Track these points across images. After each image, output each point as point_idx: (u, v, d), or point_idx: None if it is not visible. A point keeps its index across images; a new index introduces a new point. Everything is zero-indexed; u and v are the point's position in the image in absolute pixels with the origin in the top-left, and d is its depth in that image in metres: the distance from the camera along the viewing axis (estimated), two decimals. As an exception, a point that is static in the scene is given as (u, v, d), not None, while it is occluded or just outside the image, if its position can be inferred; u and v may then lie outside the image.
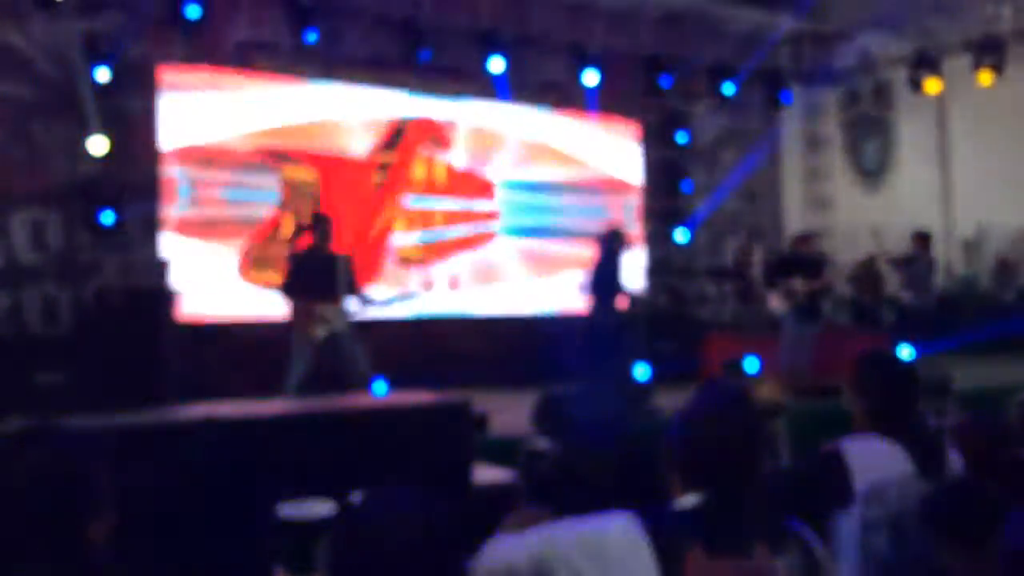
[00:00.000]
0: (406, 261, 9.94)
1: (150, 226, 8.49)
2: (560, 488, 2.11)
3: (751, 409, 1.95)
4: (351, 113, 9.65)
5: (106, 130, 8.06)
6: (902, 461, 2.60)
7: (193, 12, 8.24)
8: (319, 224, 7.20)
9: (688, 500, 1.86)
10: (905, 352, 8.27)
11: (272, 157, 9.14)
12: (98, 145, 7.99)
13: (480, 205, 10.46)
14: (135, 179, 8.37)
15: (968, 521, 2.29)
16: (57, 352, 7.34)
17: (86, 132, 8.06)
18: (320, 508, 2.39)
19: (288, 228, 9.15)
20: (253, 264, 8.98)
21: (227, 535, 3.04)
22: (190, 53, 8.66)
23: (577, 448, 2.10)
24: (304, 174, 9.34)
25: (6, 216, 7.95)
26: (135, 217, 8.41)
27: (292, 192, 9.23)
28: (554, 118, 10.98)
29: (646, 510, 1.81)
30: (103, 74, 8.02)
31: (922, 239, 9.79)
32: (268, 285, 8.53)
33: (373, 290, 7.59)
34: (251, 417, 4.11)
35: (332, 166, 9.48)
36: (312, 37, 8.87)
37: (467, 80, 10.12)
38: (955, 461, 2.74)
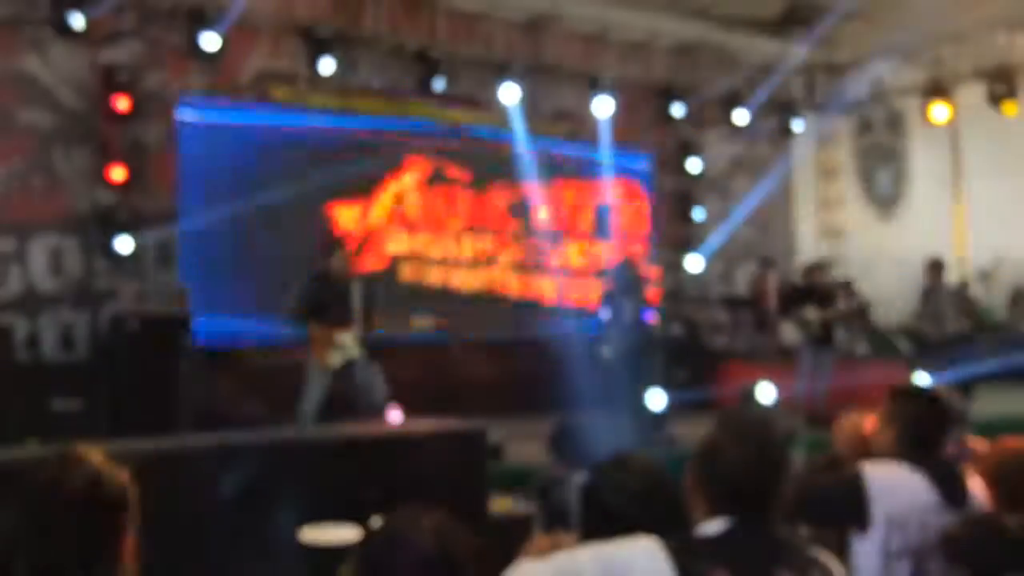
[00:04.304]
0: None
1: (167, 253, 8.55)
2: (583, 514, 2.11)
3: (775, 436, 1.95)
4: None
5: (124, 158, 8.14)
6: (925, 490, 2.59)
7: (212, 42, 8.34)
8: (335, 248, 7.25)
9: (712, 526, 1.86)
10: (922, 381, 8.22)
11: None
12: (119, 174, 8.07)
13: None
14: (152, 207, 8.44)
15: (990, 555, 2.28)
16: (73, 378, 7.37)
17: (105, 160, 8.15)
18: (342, 533, 2.39)
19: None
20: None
21: (247, 559, 3.04)
22: (208, 82, 8.76)
23: (599, 475, 2.11)
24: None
25: (25, 242, 8.01)
26: (152, 244, 8.47)
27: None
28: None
29: (670, 535, 1.81)
30: (122, 103, 8.10)
31: (936, 268, 9.76)
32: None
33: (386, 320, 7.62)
34: (269, 443, 4.12)
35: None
36: (328, 67, 8.95)
37: (481, 109, 10.20)
38: (977, 491, 2.73)
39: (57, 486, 1.64)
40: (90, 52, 8.22)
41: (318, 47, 8.94)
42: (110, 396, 7.23)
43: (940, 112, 10.88)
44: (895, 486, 2.58)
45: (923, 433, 2.73)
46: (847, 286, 9.11)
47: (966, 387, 8.84)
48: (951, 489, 2.63)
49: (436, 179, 10.13)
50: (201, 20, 8.33)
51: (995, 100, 10.55)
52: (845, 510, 2.58)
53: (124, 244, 8.13)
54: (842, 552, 2.56)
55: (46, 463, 1.68)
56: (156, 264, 8.52)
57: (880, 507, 2.53)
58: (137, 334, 7.55)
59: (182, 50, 8.48)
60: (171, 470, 3.48)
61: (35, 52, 8.08)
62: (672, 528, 1.91)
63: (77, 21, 7.80)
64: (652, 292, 8.35)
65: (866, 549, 2.55)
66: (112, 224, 8.18)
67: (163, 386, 7.23)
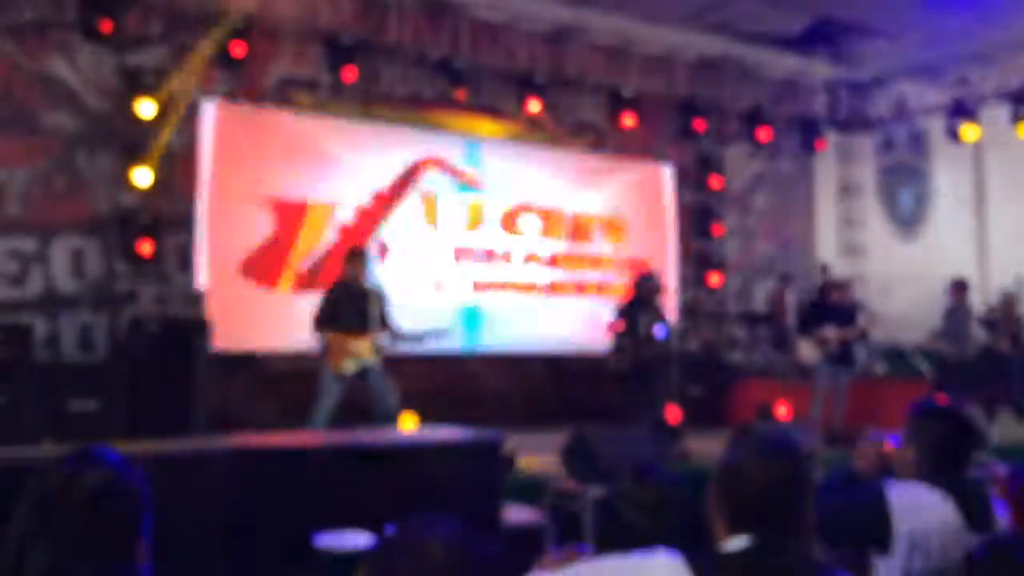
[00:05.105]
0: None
1: (187, 257, 8.60)
2: (598, 528, 2.09)
3: (797, 452, 1.92)
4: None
5: (148, 162, 8.20)
6: (947, 510, 2.55)
7: (237, 49, 8.39)
8: (354, 257, 7.25)
9: (734, 543, 1.84)
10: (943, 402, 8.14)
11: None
12: (143, 177, 8.13)
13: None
14: (174, 211, 8.49)
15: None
16: (91, 379, 7.40)
17: (128, 163, 8.21)
18: (356, 539, 2.38)
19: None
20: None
21: (262, 564, 3.03)
22: (232, 89, 8.82)
23: (615, 488, 2.09)
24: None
25: (47, 244, 8.08)
26: (172, 248, 8.52)
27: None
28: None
29: (691, 551, 1.79)
30: (147, 107, 8.17)
31: (960, 288, 9.68)
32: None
33: (405, 325, 7.60)
34: (285, 448, 4.11)
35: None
36: (351, 75, 8.99)
37: (504, 120, 10.22)
38: (1000, 513, 2.69)
39: (72, 486, 1.64)
40: (116, 56, 8.30)
41: (341, 55, 8.99)
42: (127, 397, 7.27)
43: (971, 132, 10.79)
44: (918, 506, 2.54)
45: (946, 452, 2.69)
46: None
47: (989, 409, 8.75)
48: (975, 511, 2.59)
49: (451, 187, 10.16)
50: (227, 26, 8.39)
51: (1019, 121, 10.47)
52: (867, 530, 2.53)
53: (145, 247, 8.18)
54: (860, 573, 2.53)
55: (61, 462, 1.68)
56: (176, 267, 8.57)
57: (903, 528, 2.49)
58: (156, 336, 7.59)
59: (207, 56, 8.54)
60: (186, 472, 3.48)
61: (62, 55, 8.16)
62: (688, 543, 1.89)
63: (104, 25, 7.88)
64: (669, 305, 8.32)
65: (887, 571, 2.51)
66: (133, 227, 8.23)
67: (180, 388, 7.27)
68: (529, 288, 10.55)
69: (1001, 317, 9.71)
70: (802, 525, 1.85)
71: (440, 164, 10.05)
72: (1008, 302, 9.77)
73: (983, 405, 8.22)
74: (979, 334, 10.12)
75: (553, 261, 10.72)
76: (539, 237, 10.65)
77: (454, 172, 10.12)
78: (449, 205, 10.10)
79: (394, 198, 9.79)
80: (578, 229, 10.93)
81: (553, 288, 10.70)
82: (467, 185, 10.20)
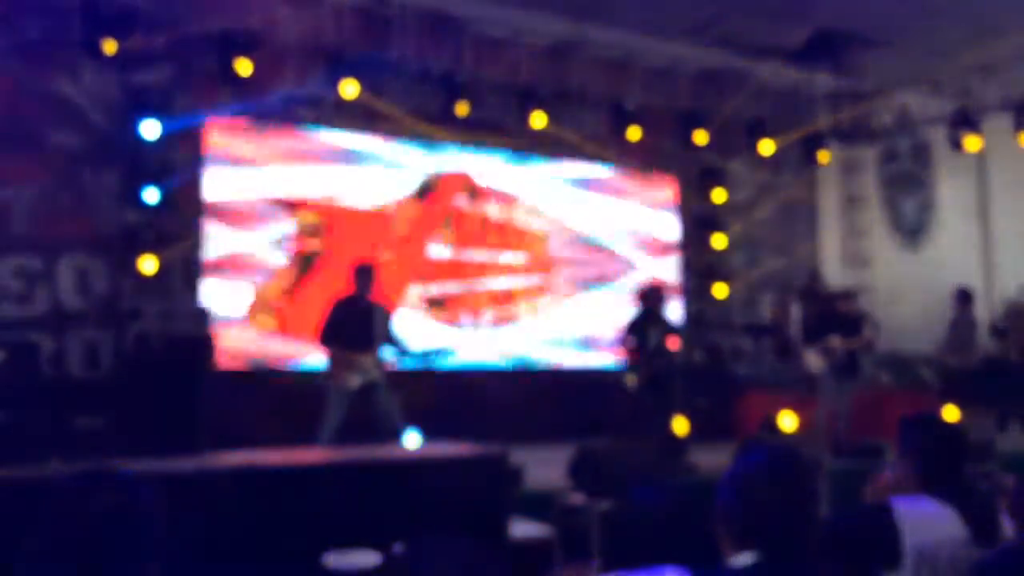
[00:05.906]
0: (435, 310, 9.94)
1: (191, 274, 8.62)
2: (604, 542, 2.10)
3: (804, 468, 1.92)
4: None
5: (152, 180, 8.24)
6: (954, 523, 2.55)
7: (242, 66, 8.42)
8: (361, 274, 7.26)
9: (741, 559, 1.83)
10: (950, 414, 8.13)
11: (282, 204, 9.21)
12: (151, 195, 8.17)
13: (518, 258, 10.51)
14: (179, 228, 8.52)
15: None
16: (97, 396, 7.42)
17: (133, 181, 8.24)
18: (365, 558, 2.38)
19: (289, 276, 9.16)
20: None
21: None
22: (237, 106, 8.85)
23: (625, 504, 2.09)
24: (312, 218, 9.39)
25: (53, 261, 8.11)
26: (177, 265, 8.55)
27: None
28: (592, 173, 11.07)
29: (699, 567, 1.79)
30: (152, 126, 8.20)
31: (964, 298, 9.66)
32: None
33: (410, 342, 7.60)
34: (291, 466, 4.11)
35: (340, 215, 9.49)
36: (355, 92, 9.02)
37: (507, 134, 10.25)
38: (1007, 526, 2.68)
39: (83, 506, 1.64)
40: (121, 75, 8.34)
41: (344, 71, 9.01)
42: (133, 414, 7.27)
43: (974, 142, 10.80)
44: (925, 521, 2.53)
45: (940, 463, 2.68)
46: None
47: (996, 419, 8.73)
48: (982, 523, 2.58)
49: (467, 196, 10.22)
50: (231, 44, 8.43)
51: (1021, 130, 10.47)
52: (876, 546, 2.52)
53: (150, 264, 8.21)
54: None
55: (72, 482, 1.68)
56: (181, 284, 8.59)
57: (911, 543, 2.48)
58: (161, 353, 7.60)
59: (212, 73, 8.58)
60: (193, 490, 3.48)
61: (67, 73, 8.21)
62: (695, 558, 1.89)
63: (109, 45, 7.92)
64: (676, 318, 8.33)
65: (893, 583, 2.50)
66: (139, 244, 8.26)
67: (186, 405, 7.27)
68: (532, 300, 10.56)
69: (1011, 326, 9.67)
70: (808, 541, 1.85)
71: (461, 179, 10.11)
72: (1019, 312, 9.74)
73: (992, 416, 8.20)
74: (985, 344, 10.10)
75: (549, 272, 10.73)
76: (543, 251, 10.67)
77: (472, 188, 10.18)
78: (461, 220, 10.16)
79: (426, 216, 9.87)
80: (583, 243, 10.96)
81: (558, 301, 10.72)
82: (478, 199, 10.24)
